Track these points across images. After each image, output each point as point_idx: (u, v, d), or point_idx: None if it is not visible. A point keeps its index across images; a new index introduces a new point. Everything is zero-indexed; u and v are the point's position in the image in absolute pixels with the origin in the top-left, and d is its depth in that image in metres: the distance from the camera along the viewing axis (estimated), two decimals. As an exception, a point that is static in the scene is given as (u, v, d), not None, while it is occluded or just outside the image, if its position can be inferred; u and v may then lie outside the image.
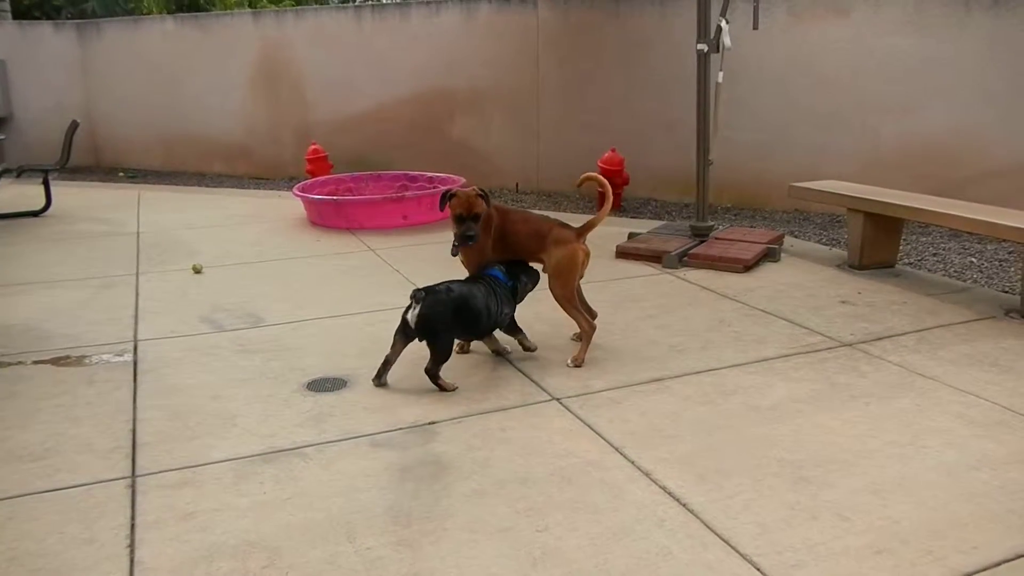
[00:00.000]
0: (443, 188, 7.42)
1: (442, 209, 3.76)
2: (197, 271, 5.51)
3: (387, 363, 3.56)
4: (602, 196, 4.00)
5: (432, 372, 3.47)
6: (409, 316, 3.45)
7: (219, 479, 2.77)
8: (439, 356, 3.48)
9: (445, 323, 3.46)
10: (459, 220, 3.67)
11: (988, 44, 6.73)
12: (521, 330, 3.92)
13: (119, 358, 3.93)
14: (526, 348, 3.92)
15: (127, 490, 2.71)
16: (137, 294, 5.03)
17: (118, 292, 5.08)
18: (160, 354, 3.98)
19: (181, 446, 3.02)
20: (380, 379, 3.55)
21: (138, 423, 3.22)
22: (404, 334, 3.51)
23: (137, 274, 5.50)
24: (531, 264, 3.93)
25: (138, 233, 6.85)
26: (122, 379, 3.67)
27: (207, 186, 9.86)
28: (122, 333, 4.30)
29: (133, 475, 2.81)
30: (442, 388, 3.47)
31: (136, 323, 4.47)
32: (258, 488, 2.70)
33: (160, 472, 2.83)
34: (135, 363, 3.86)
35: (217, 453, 2.95)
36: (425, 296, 3.43)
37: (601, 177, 4.18)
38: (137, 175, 10.77)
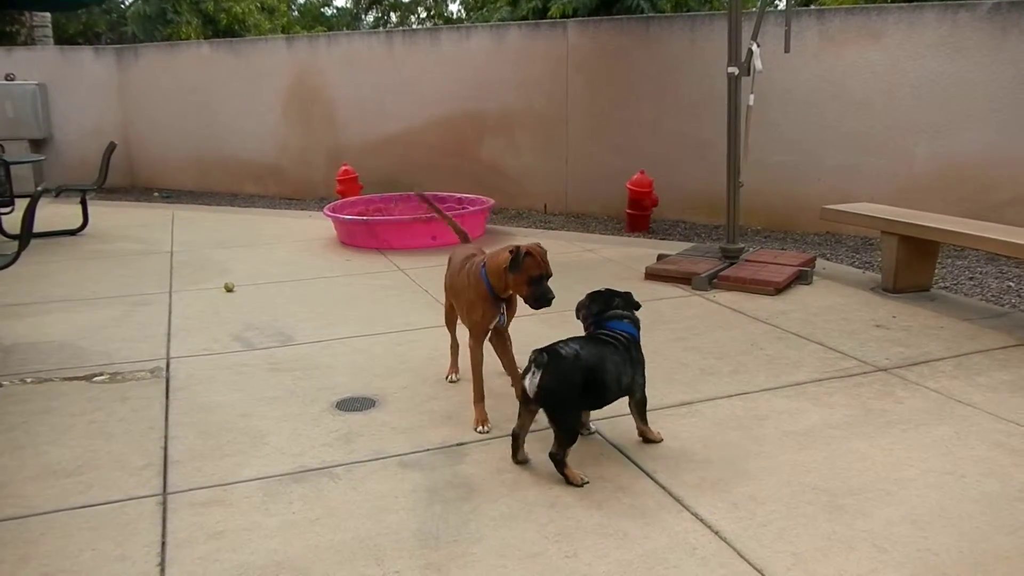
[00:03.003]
0: (473, 208, 7.44)
1: (515, 270, 3.14)
2: (229, 290, 5.56)
3: (515, 439, 2.98)
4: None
5: (558, 458, 2.83)
6: (527, 384, 2.82)
7: (248, 498, 2.77)
8: (564, 437, 2.82)
9: (573, 398, 2.83)
10: (537, 281, 3.14)
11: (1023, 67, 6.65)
12: (645, 412, 3.14)
13: (152, 375, 3.97)
14: (647, 439, 3.16)
15: (158, 507, 2.73)
16: (170, 312, 5.10)
17: (152, 310, 5.15)
18: (192, 372, 4.01)
19: (211, 464, 3.03)
20: (516, 457, 2.98)
21: (170, 440, 3.24)
22: (527, 405, 2.91)
23: (170, 292, 5.58)
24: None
25: (172, 252, 6.95)
26: (155, 396, 3.70)
27: (239, 206, 10.00)
28: (155, 351, 4.35)
29: (164, 492, 2.83)
30: (569, 480, 2.81)
31: (169, 341, 4.52)
32: (287, 508, 2.70)
33: (191, 490, 2.84)
34: (167, 380, 3.90)
35: (247, 471, 2.96)
36: (548, 361, 2.79)
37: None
38: (171, 195, 10.95)
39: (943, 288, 5.57)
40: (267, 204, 10.15)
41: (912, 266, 5.32)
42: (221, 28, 17.45)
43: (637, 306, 3.20)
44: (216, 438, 3.26)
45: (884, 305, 5.06)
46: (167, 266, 6.40)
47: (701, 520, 2.60)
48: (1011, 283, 5.74)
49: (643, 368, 3.09)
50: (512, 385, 3.52)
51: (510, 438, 3.01)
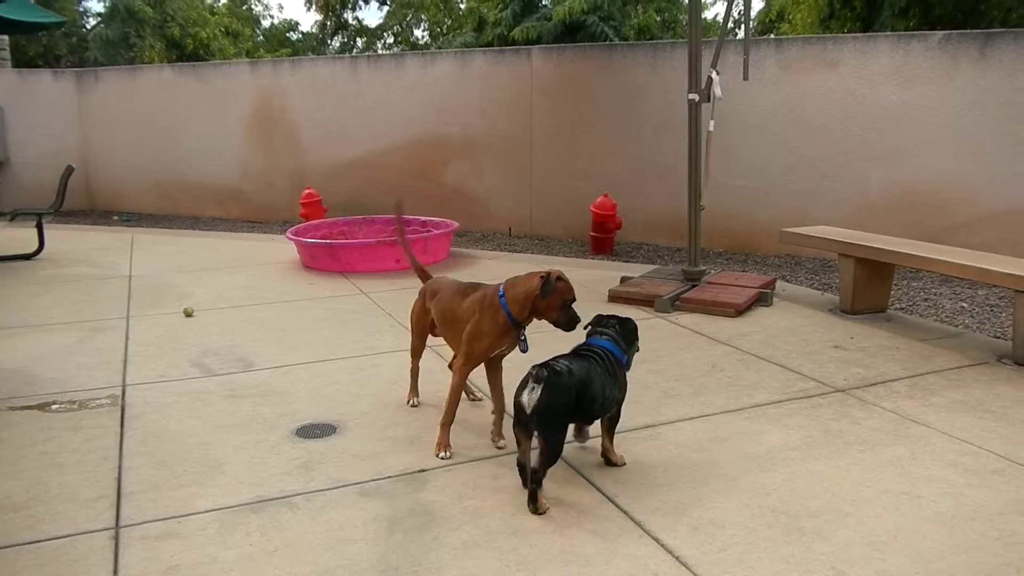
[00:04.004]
0: (437, 231, 7.45)
1: (547, 295, 3.11)
2: (188, 315, 5.48)
3: (522, 468, 2.92)
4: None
5: (538, 476, 2.80)
6: (525, 400, 2.79)
7: (204, 530, 2.72)
8: (550, 454, 2.81)
9: (566, 414, 2.86)
10: (568, 305, 3.17)
11: (974, 95, 6.85)
12: (613, 434, 3.20)
13: (107, 404, 3.88)
14: (609, 461, 3.20)
15: (110, 542, 2.66)
16: (127, 338, 5.00)
17: (108, 336, 5.05)
18: (148, 399, 3.93)
19: (167, 495, 2.97)
20: (528, 486, 2.87)
21: (124, 471, 3.17)
22: (522, 423, 2.85)
23: (128, 317, 5.48)
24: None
25: (130, 276, 6.84)
26: (109, 425, 3.62)
27: (201, 229, 9.89)
28: (111, 378, 4.26)
29: (117, 526, 2.76)
30: (536, 506, 2.80)
31: (125, 367, 4.43)
32: (244, 540, 2.65)
33: (144, 523, 2.77)
34: (123, 409, 3.82)
35: (203, 502, 2.90)
36: (547, 377, 2.79)
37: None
38: (131, 218, 10.80)
39: (899, 309, 5.69)
40: (229, 227, 10.04)
41: (869, 288, 5.42)
42: (187, 53, 17.37)
43: (631, 339, 3.24)
44: (172, 468, 3.19)
45: (842, 326, 5.14)
46: (125, 291, 6.29)
47: (662, 545, 2.60)
48: (964, 304, 5.88)
49: (622, 388, 3.14)
50: (493, 412, 3.48)
51: (485, 460, 2.99)
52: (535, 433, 2.82)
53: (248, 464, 3.21)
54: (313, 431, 3.54)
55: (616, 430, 3.21)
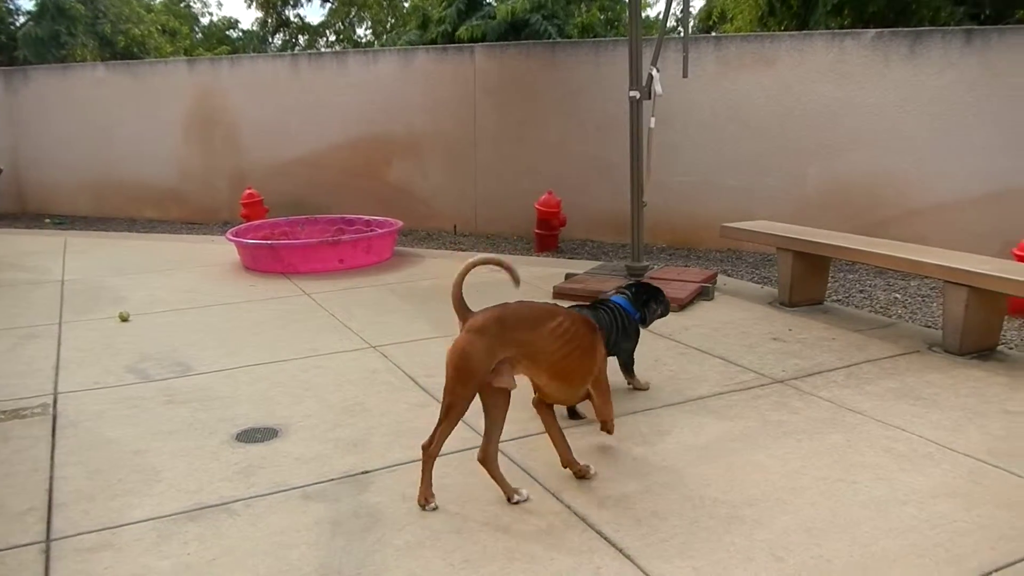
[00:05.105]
0: (381, 230, 7.39)
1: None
2: (124, 319, 5.33)
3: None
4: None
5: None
6: None
7: (140, 540, 2.64)
8: None
9: None
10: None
11: (906, 92, 7.06)
12: (632, 372, 3.86)
13: (38, 413, 3.75)
14: (635, 388, 3.89)
15: (41, 556, 2.57)
16: (59, 344, 4.84)
17: (39, 343, 4.88)
18: (81, 407, 3.81)
19: (100, 505, 2.88)
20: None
21: (55, 482, 3.07)
22: None
23: (60, 323, 5.30)
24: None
25: (63, 281, 6.62)
26: (40, 435, 3.50)
27: (138, 231, 9.64)
28: (42, 386, 4.11)
29: (48, 539, 2.66)
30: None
31: (57, 375, 4.29)
32: (182, 549, 2.58)
33: (77, 535, 2.68)
34: (54, 417, 3.69)
35: (139, 512, 2.82)
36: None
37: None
38: (64, 221, 10.46)
39: (835, 301, 5.83)
40: (167, 229, 9.81)
41: (806, 280, 5.55)
42: (119, 50, 16.88)
43: (646, 298, 3.81)
44: (106, 477, 3.10)
45: (781, 318, 5.25)
46: (57, 296, 6.09)
47: (606, 538, 2.62)
48: (897, 295, 6.06)
49: (631, 340, 3.76)
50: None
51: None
52: None
53: (186, 471, 3.14)
54: (254, 435, 3.48)
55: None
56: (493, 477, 2.85)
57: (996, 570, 2.43)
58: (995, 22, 10.54)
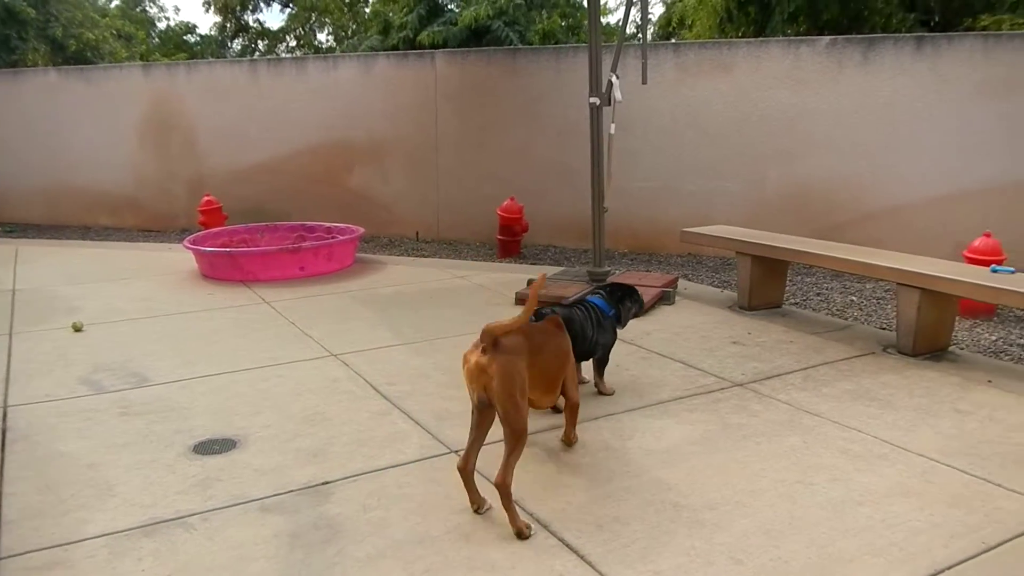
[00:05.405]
0: (342, 236, 7.34)
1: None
2: (77, 329, 5.22)
3: None
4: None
5: None
6: None
7: (93, 557, 2.58)
8: None
9: None
10: None
11: (859, 98, 7.20)
12: (603, 370, 3.98)
13: (-15, 428, 3.65)
14: (600, 391, 3.97)
15: (-13, 574, 2.49)
16: (10, 356, 4.72)
17: (-12, 356, 4.75)
18: (32, 420, 3.71)
19: (51, 522, 2.80)
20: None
21: (4, 498, 2.98)
22: None
23: (11, 334, 5.17)
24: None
25: (14, 290, 6.45)
26: (-12, 451, 3.40)
27: (93, 239, 9.45)
28: (-10, 400, 4.01)
29: (-5, 557, 2.59)
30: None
31: (7, 387, 4.17)
32: (136, 566, 2.53)
33: (26, 553, 2.61)
34: (3, 431, 3.59)
35: (92, 528, 2.76)
36: (535, 320, 3.42)
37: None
38: (15, 229, 10.21)
39: (794, 304, 5.92)
40: (123, 237, 9.62)
41: (765, 284, 5.62)
42: (71, 55, 16.53)
43: (620, 297, 3.98)
44: (57, 493, 3.02)
45: (740, 322, 5.32)
46: (8, 306, 5.93)
47: (567, 545, 2.62)
48: (854, 297, 6.17)
49: (608, 335, 3.88)
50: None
51: (390, 469, 2.93)
52: None
53: (141, 485, 3.07)
54: (212, 447, 3.42)
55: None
56: (468, 486, 2.84)
57: (948, 567, 2.49)
58: (944, 29, 10.80)
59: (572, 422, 3.37)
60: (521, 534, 2.65)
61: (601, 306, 3.88)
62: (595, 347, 3.83)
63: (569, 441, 3.38)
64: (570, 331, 3.44)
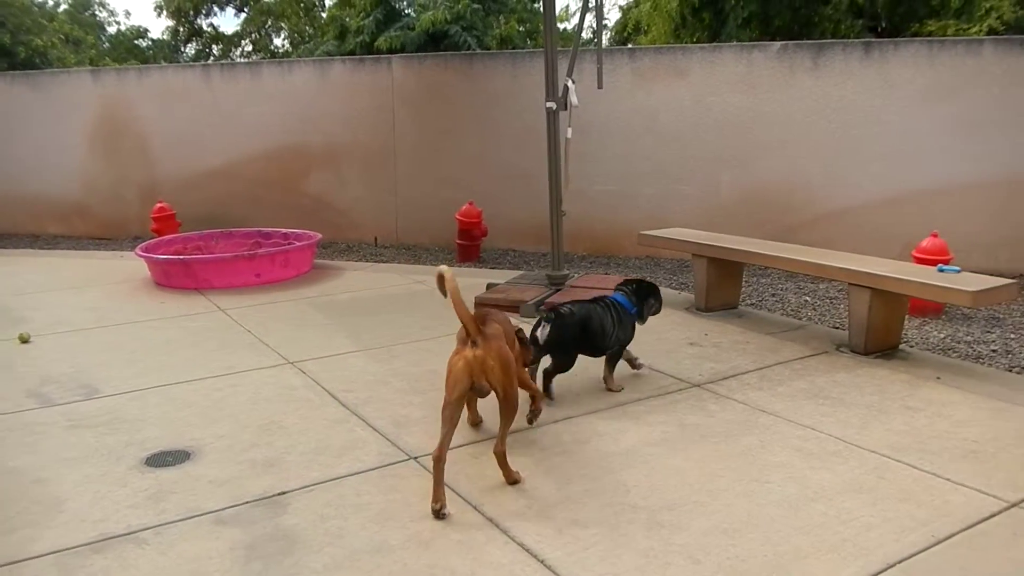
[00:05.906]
0: (299, 242, 7.26)
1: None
2: (24, 340, 5.08)
3: (545, 375, 3.90)
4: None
5: (551, 374, 3.87)
6: (539, 335, 3.76)
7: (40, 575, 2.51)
8: (559, 365, 3.86)
9: (571, 343, 3.83)
10: None
11: (810, 102, 7.34)
12: (613, 367, 4.10)
13: (-74, 444, 3.53)
14: (608, 388, 4.08)
15: (-72, 596, 2.41)
16: (-48, 371, 4.58)
17: (-70, 370, 4.60)
18: (-24, 437, 3.60)
19: (-4, 540, 2.72)
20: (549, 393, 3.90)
21: (-54, 517, 2.89)
22: (539, 351, 3.80)
23: (-46, 348, 5.02)
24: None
25: (-43, 303, 6.26)
26: (-71, 468, 3.29)
27: (41, 248, 9.23)
28: (-68, 416, 3.88)
29: (-64, 578, 2.51)
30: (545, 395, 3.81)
31: (-50, 403, 4.05)
32: (85, 581, 2.47)
33: (-31, 572, 2.53)
34: (-54, 449, 3.48)
35: (39, 545, 2.68)
36: (554, 318, 3.79)
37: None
38: (-41, 239, 9.91)
39: (749, 305, 6.00)
40: (73, 245, 9.40)
41: (721, 286, 5.69)
42: (20, 61, 16.11)
43: (644, 295, 4.17)
44: (3, 510, 2.93)
45: (697, 323, 5.37)
46: (-49, 319, 5.76)
47: (527, 550, 2.62)
48: (807, 298, 6.27)
49: (627, 332, 4.06)
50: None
51: (348, 477, 2.91)
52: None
53: (91, 500, 3.00)
54: (164, 459, 3.35)
55: (483, 439, 3.28)
56: (438, 479, 2.86)
57: (900, 561, 2.53)
58: (892, 35, 11.08)
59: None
60: (516, 481, 3.04)
61: (623, 303, 4.05)
62: (613, 343, 4.00)
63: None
64: (588, 328, 3.85)
